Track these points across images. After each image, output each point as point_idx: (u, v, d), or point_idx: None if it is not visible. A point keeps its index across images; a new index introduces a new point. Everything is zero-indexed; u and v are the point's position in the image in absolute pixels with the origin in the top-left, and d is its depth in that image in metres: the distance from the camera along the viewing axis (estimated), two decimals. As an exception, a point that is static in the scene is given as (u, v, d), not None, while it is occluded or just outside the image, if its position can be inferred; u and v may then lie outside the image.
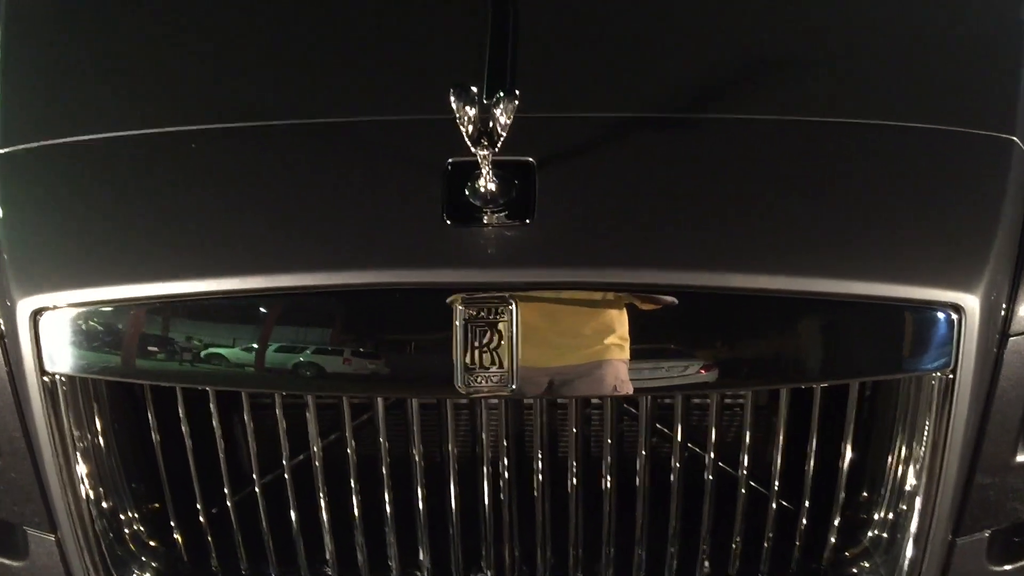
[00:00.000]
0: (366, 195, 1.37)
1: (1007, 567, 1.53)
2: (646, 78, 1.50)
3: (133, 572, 1.55)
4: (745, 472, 1.45)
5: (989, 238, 1.33)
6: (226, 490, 1.49)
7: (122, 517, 1.54)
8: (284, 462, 1.46)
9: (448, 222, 1.32)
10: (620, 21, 1.57)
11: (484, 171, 1.30)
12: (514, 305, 1.27)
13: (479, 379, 1.29)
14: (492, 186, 1.30)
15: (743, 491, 1.48)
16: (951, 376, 1.33)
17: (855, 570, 1.54)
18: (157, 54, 1.57)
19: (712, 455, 1.44)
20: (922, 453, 1.41)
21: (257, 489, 1.49)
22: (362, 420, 1.52)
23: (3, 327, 1.40)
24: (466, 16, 1.53)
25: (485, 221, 1.31)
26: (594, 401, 1.52)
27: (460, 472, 1.44)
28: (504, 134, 1.25)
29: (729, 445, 1.59)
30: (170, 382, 1.37)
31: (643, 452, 1.42)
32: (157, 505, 1.58)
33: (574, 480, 1.45)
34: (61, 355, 1.36)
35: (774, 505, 1.48)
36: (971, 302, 1.31)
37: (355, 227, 1.34)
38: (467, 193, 1.33)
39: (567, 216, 1.33)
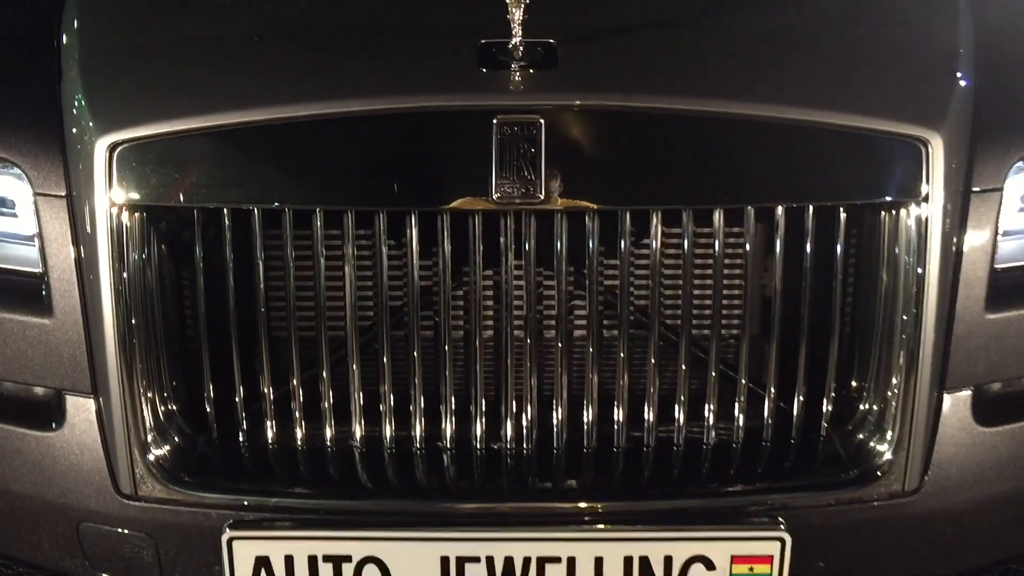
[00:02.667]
0: (409, 52, 1.58)
1: (994, 429, 1.63)
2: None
3: (167, 434, 1.61)
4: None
5: (952, 86, 1.57)
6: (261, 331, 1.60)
7: (161, 384, 1.62)
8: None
9: (483, 70, 1.52)
10: None
11: (515, 30, 1.51)
12: (543, 123, 1.45)
13: (511, 190, 1.45)
14: (520, 42, 1.51)
15: (745, 348, 1.61)
16: (924, 203, 1.51)
17: (860, 436, 1.63)
18: None
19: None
20: (903, 296, 1.55)
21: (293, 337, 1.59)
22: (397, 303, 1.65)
23: (70, 178, 1.56)
24: None
25: (515, 74, 1.51)
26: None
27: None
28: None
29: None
30: (230, 202, 1.51)
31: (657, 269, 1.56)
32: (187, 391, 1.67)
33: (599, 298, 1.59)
34: (131, 186, 1.51)
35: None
36: (936, 139, 1.51)
37: (403, 68, 1.55)
38: (501, 56, 1.53)
39: (587, 65, 1.55)
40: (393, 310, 1.62)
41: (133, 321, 1.56)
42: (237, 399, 1.64)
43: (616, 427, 1.63)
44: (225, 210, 1.53)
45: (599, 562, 1.54)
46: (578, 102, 1.48)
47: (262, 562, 1.54)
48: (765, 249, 1.62)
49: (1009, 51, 1.78)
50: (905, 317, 1.56)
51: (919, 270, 1.54)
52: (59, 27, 1.72)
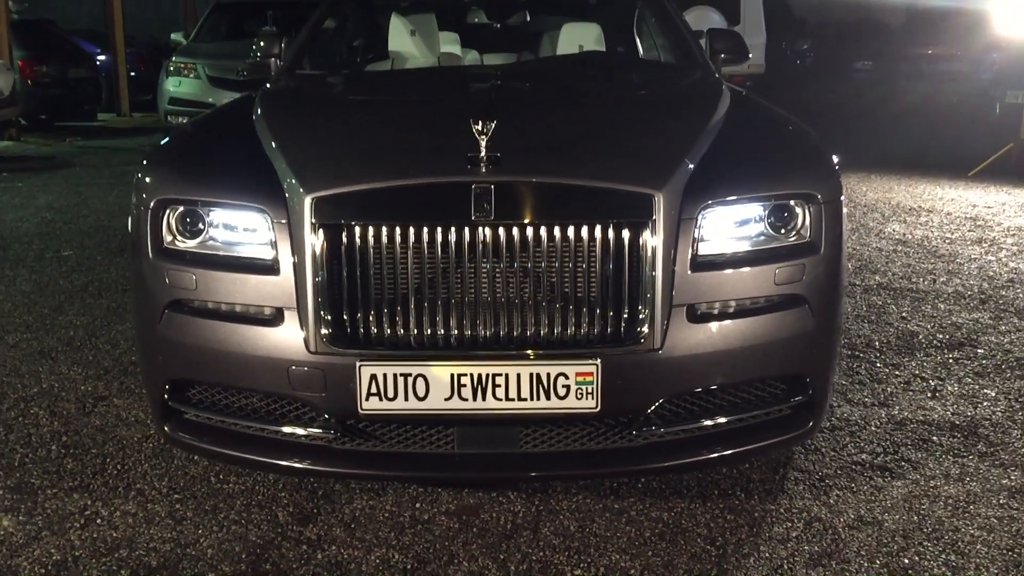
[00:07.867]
0: (440, 158, 3.74)
1: (697, 324, 3.67)
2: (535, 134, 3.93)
3: (329, 326, 3.63)
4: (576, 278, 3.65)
5: (675, 166, 3.69)
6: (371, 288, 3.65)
7: (327, 305, 3.64)
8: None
9: (469, 166, 3.63)
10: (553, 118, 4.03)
11: (482, 150, 3.61)
12: (493, 187, 3.55)
13: (480, 214, 3.54)
14: (484, 155, 3.61)
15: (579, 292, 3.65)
16: (654, 223, 3.58)
17: (639, 329, 3.65)
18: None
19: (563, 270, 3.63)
20: (649, 266, 3.60)
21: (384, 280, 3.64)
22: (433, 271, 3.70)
23: (289, 211, 3.64)
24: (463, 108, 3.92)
25: (483, 168, 3.61)
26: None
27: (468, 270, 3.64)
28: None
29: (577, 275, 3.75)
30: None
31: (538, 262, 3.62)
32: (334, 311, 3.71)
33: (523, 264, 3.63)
34: (319, 214, 3.59)
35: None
36: (659, 194, 3.59)
37: (437, 164, 3.69)
38: (475, 160, 3.63)
39: (511, 164, 3.64)
40: (430, 278, 3.65)
41: (317, 278, 3.62)
42: (359, 315, 3.67)
43: (529, 328, 3.65)
44: (356, 227, 3.60)
45: (519, 376, 3.55)
46: (507, 180, 3.59)
47: (373, 377, 3.55)
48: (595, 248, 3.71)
49: (720, 145, 3.92)
50: (652, 274, 3.62)
51: (653, 254, 3.60)
52: (253, 126, 3.98)
